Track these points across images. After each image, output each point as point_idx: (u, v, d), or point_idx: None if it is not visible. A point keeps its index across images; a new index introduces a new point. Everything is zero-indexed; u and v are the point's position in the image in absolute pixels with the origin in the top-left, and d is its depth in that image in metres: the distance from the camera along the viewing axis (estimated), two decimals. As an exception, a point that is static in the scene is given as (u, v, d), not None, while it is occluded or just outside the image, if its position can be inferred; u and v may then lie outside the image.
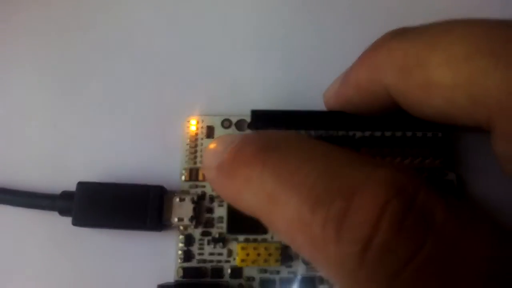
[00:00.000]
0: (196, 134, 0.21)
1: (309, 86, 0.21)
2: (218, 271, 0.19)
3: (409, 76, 0.16)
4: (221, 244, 0.20)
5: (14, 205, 0.20)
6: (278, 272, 0.19)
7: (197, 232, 0.20)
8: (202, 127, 0.21)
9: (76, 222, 0.19)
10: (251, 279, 0.19)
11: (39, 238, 0.21)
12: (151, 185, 0.20)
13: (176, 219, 0.20)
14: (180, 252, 0.20)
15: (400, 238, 0.12)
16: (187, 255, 0.20)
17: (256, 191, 0.15)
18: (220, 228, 0.20)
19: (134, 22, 0.23)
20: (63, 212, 0.20)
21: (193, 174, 0.21)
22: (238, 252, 0.19)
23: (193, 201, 0.20)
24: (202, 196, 0.20)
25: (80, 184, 0.20)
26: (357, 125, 0.20)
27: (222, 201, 0.20)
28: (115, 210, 0.19)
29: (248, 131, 0.21)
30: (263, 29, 0.23)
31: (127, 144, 0.22)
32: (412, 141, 0.20)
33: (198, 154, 0.21)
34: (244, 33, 0.23)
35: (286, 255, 0.20)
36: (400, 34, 0.17)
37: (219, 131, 0.21)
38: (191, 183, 0.20)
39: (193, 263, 0.20)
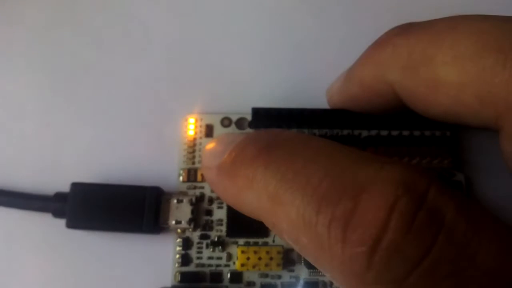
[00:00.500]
0: (195, 133, 0.20)
1: (312, 83, 0.21)
2: (217, 276, 0.19)
3: (414, 74, 0.16)
4: (220, 247, 0.19)
5: (6, 206, 0.20)
6: (279, 277, 0.19)
7: (195, 235, 0.19)
8: (201, 126, 0.20)
9: (70, 224, 0.19)
10: (251, 284, 0.19)
11: (32, 240, 0.20)
12: (148, 186, 0.19)
13: (173, 222, 0.19)
14: (177, 256, 0.19)
15: (409, 239, 0.12)
16: (185, 259, 0.19)
17: (258, 191, 0.15)
18: (219, 231, 0.19)
19: (131, 19, 0.23)
20: (56, 214, 0.19)
21: (191, 174, 0.20)
22: (238, 256, 0.19)
23: (191, 203, 0.19)
24: (200, 198, 0.20)
25: (74, 185, 0.19)
26: (363, 124, 0.19)
27: (221, 203, 0.20)
28: (110, 212, 0.19)
29: (248, 130, 0.20)
30: (264, 25, 0.23)
31: (123, 143, 0.21)
32: (420, 141, 0.19)
33: (197, 154, 0.20)
34: (244, 29, 0.23)
35: (288, 259, 0.19)
36: (405, 30, 0.17)
37: (218, 130, 0.20)
38: (189, 184, 0.20)
39: (191, 267, 0.19)
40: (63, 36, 0.23)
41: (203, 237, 0.19)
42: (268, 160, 0.15)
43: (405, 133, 0.19)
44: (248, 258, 0.18)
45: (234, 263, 0.19)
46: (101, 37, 0.23)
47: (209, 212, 0.20)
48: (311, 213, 0.13)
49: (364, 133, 0.19)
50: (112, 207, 0.19)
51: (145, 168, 0.20)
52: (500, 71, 0.14)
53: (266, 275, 0.19)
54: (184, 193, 0.20)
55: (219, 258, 0.19)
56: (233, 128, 0.20)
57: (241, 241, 0.19)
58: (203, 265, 0.19)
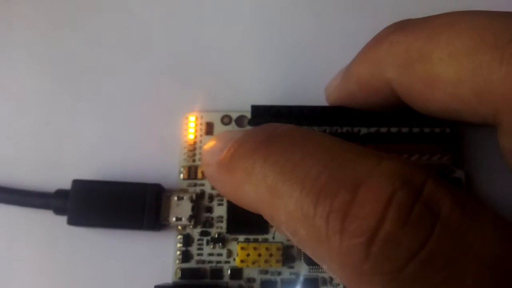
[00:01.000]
0: (195, 130, 0.20)
1: (311, 80, 0.21)
2: (217, 272, 0.19)
3: (411, 71, 0.16)
4: (220, 244, 0.19)
5: (7, 204, 0.20)
6: (279, 273, 0.19)
7: (195, 232, 0.19)
8: (201, 124, 0.21)
9: (71, 221, 0.19)
10: (251, 280, 0.19)
11: (33, 237, 0.20)
12: (149, 183, 0.19)
13: (174, 219, 0.19)
14: (178, 252, 0.19)
15: (406, 230, 0.12)
16: (186, 256, 0.19)
17: (257, 184, 0.15)
18: (219, 227, 0.19)
19: (131, 17, 0.23)
20: (58, 211, 0.19)
21: (191, 172, 0.20)
22: (238, 253, 0.19)
23: (191, 200, 0.19)
24: (201, 195, 0.20)
25: (76, 182, 0.19)
26: (362, 121, 0.19)
27: (221, 200, 0.20)
28: (111, 209, 0.19)
29: (248, 128, 0.20)
30: (263, 23, 0.23)
31: (124, 141, 0.21)
32: (419, 137, 0.19)
33: (197, 151, 0.20)
34: (244, 28, 0.23)
35: (288, 256, 0.19)
36: (402, 27, 0.17)
37: (218, 127, 0.20)
38: (189, 181, 0.20)
39: (192, 264, 0.19)
40: (64, 34, 0.23)
41: (203, 234, 0.19)
42: (266, 153, 0.15)
43: (405, 130, 0.19)
44: (248, 255, 0.19)
45: (234, 259, 0.19)
46: (101, 36, 0.23)
47: (210, 209, 0.20)
48: (309, 205, 0.13)
49: (364, 130, 0.19)
50: (113, 204, 0.19)
51: (146, 165, 0.21)
52: (497, 67, 0.14)
53: (266, 272, 0.19)
54: (184, 191, 0.20)
55: (219, 254, 0.19)
56: (233, 126, 0.20)
57: (241, 237, 0.19)
58: (203, 262, 0.19)
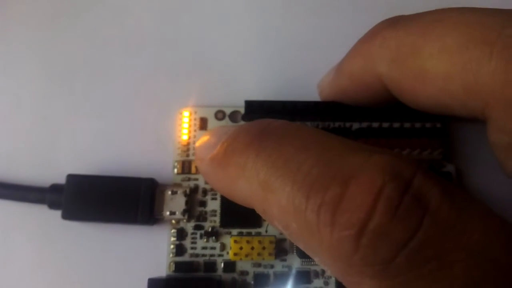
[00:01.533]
0: (189, 125, 0.21)
1: (304, 76, 0.21)
2: (211, 265, 0.19)
3: (402, 66, 0.16)
4: (214, 238, 0.19)
5: (2, 198, 0.20)
6: (272, 266, 0.19)
7: (189, 226, 0.20)
8: (195, 119, 0.21)
9: (66, 216, 0.19)
10: (244, 273, 0.19)
11: (28, 232, 0.20)
12: (143, 177, 0.19)
13: (168, 213, 0.19)
14: (172, 246, 0.19)
15: (395, 222, 0.12)
16: (179, 249, 0.19)
17: (250, 179, 0.15)
18: (213, 221, 0.20)
19: (125, 12, 0.23)
20: (52, 205, 0.19)
21: (185, 166, 0.20)
22: (231, 246, 0.19)
23: (185, 194, 0.19)
24: (194, 189, 0.20)
25: (70, 177, 0.19)
26: (354, 116, 0.20)
27: (215, 194, 0.20)
28: (105, 203, 0.19)
29: (242, 123, 0.20)
30: (257, 19, 0.23)
31: (118, 135, 0.21)
32: (410, 132, 0.20)
33: (191, 146, 0.20)
34: (238, 23, 0.23)
35: (280, 249, 0.19)
36: (394, 23, 0.17)
37: (212, 122, 0.21)
38: (183, 176, 0.20)
39: (186, 257, 0.19)
40: (59, 30, 0.23)
41: (197, 227, 0.19)
42: (259, 148, 0.15)
43: (396, 125, 0.20)
44: (241, 248, 0.19)
45: (227, 253, 0.19)
46: (96, 32, 0.23)
47: (203, 203, 0.20)
48: (301, 199, 0.13)
49: (356, 125, 0.20)
50: (107, 199, 0.19)
51: (140, 160, 0.21)
52: (486, 62, 0.14)
53: (259, 265, 0.19)
54: (178, 185, 0.20)
55: (213, 248, 0.19)
56: (227, 121, 0.21)
57: (234, 231, 0.19)
58: (197, 255, 0.19)
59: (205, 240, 0.19)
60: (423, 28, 0.16)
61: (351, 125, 0.20)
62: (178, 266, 0.19)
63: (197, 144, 0.18)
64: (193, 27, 0.23)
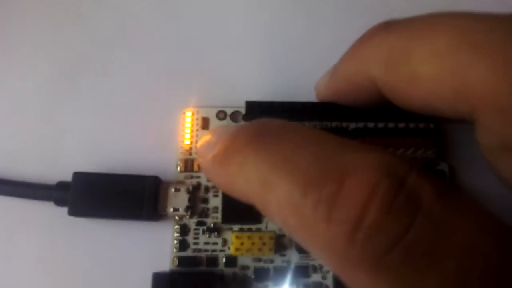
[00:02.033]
0: (192, 125, 0.21)
1: (303, 77, 0.21)
2: (213, 260, 0.20)
3: (394, 69, 0.17)
4: (216, 233, 0.20)
5: (9, 196, 0.21)
6: (272, 261, 0.20)
7: (192, 222, 0.20)
8: (197, 119, 0.21)
9: (72, 212, 0.19)
10: (245, 268, 0.20)
11: (34, 228, 0.21)
12: (147, 175, 0.20)
13: (171, 209, 0.20)
14: (175, 241, 0.20)
15: (390, 218, 0.13)
16: (183, 245, 0.20)
17: (250, 176, 0.15)
18: (215, 218, 0.20)
19: (129, 13, 0.24)
20: (59, 202, 0.20)
21: (188, 165, 0.21)
22: (232, 241, 0.19)
23: (188, 192, 0.20)
24: (197, 187, 0.20)
25: (76, 174, 0.20)
26: (351, 116, 0.20)
27: (217, 191, 0.20)
28: (111, 200, 0.19)
29: (242, 123, 0.21)
30: (258, 21, 0.24)
31: (123, 134, 0.22)
32: (404, 132, 0.20)
33: (193, 145, 0.21)
34: (239, 25, 0.23)
35: (280, 244, 0.20)
36: (387, 27, 0.17)
37: (214, 122, 0.21)
38: (186, 173, 0.21)
39: (188, 252, 0.20)
40: (64, 31, 0.23)
41: (199, 223, 0.20)
42: (258, 147, 0.15)
43: (391, 125, 0.20)
44: (242, 243, 0.19)
45: (228, 248, 0.20)
46: (100, 33, 0.23)
47: (205, 200, 0.20)
48: (298, 196, 0.14)
49: (352, 125, 0.20)
50: (112, 196, 0.19)
51: (144, 158, 0.21)
52: (474, 66, 0.14)
53: (259, 260, 0.20)
54: (181, 182, 0.20)
55: (215, 243, 0.20)
56: (228, 121, 0.21)
57: (236, 227, 0.20)
58: (199, 250, 0.20)
59: (207, 235, 0.20)
60: (415, 32, 0.16)
61: (347, 125, 0.20)
62: (182, 261, 0.20)
63: (199, 143, 0.18)
64: (195, 29, 0.23)
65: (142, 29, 0.23)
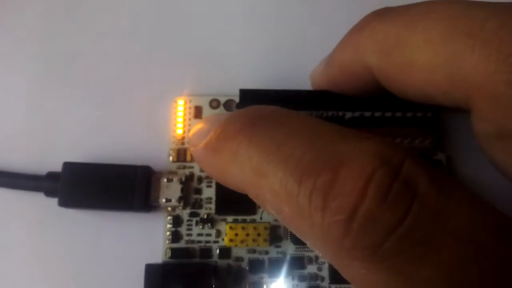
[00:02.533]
0: (184, 114, 0.21)
1: (299, 65, 0.21)
2: (206, 252, 0.19)
3: (389, 57, 0.17)
4: (209, 224, 0.20)
5: (-1, 186, 0.20)
6: (267, 252, 0.19)
7: (185, 213, 0.20)
8: (190, 108, 0.21)
9: (62, 203, 0.19)
10: (239, 259, 0.19)
11: (24, 219, 0.20)
12: (138, 165, 0.20)
13: (164, 200, 0.19)
14: (168, 233, 0.20)
15: (385, 207, 0.12)
16: (175, 236, 0.20)
17: (242, 165, 0.15)
18: (208, 208, 0.20)
19: (120, 2, 0.23)
20: (49, 193, 0.20)
21: (180, 154, 0.20)
22: (226, 232, 0.19)
23: (181, 182, 0.20)
24: (190, 177, 0.20)
25: (66, 165, 0.19)
26: (347, 105, 0.20)
27: (210, 182, 0.20)
28: (102, 191, 0.19)
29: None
30: (251, 8, 0.23)
31: (114, 124, 0.21)
32: (401, 121, 0.20)
33: (186, 134, 0.21)
34: (232, 12, 0.23)
35: (275, 235, 0.20)
36: (382, 15, 0.17)
37: (207, 111, 0.21)
38: (179, 163, 0.20)
39: (181, 244, 0.19)
40: (53, 20, 0.23)
41: (192, 214, 0.20)
42: (251, 134, 0.15)
43: (388, 114, 0.20)
44: (236, 234, 0.19)
45: (222, 239, 0.19)
46: (92, 21, 0.23)
47: (198, 191, 0.20)
48: (293, 184, 0.13)
49: (348, 114, 0.20)
50: (103, 186, 0.19)
51: (136, 148, 0.21)
52: (469, 55, 0.14)
53: (254, 251, 0.19)
54: (174, 173, 0.20)
55: (208, 234, 0.20)
56: (221, 110, 0.21)
57: (230, 218, 0.20)
58: (193, 242, 0.19)
59: (200, 226, 0.20)
60: (410, 20, 0.16)
61: (344, 114, 0.20)
62: (174, 253, 0.19)
63: (191, 131, 0.18)
64: (188, 16, 0.23)
65: (133, 16, 0.23)
